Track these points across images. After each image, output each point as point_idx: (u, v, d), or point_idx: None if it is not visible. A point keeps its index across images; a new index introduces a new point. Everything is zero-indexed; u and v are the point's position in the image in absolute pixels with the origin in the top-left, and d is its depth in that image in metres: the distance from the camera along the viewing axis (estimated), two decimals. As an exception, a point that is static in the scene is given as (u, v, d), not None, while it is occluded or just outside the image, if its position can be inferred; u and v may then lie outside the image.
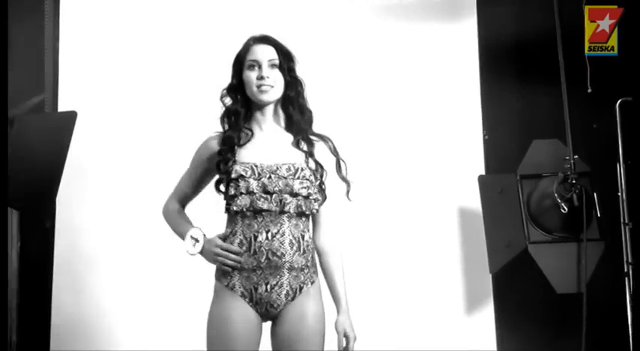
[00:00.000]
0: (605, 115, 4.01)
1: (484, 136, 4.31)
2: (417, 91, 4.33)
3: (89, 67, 4.29)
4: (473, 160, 4.28)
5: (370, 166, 4.22)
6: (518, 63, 4.39)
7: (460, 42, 4.37)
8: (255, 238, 2.72)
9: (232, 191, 2.74)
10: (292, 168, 2.77)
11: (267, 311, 2.75)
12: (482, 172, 4.22)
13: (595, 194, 3.74)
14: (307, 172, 2.79)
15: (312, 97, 4.16)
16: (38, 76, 4.25)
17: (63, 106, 4.22)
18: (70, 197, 4.03)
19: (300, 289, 2.76)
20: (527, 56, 4.34)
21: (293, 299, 2.75)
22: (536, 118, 4.29)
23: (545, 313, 4.15)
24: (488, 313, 4.19)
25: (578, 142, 3.81)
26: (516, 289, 4.19)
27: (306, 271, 2.77)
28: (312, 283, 2.79)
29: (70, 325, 4.12)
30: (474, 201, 4.04)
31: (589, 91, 3.90)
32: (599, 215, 3.75)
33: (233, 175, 2.74)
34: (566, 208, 3.67)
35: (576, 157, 3.74)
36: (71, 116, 3.63)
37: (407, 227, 4.22)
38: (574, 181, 3.67)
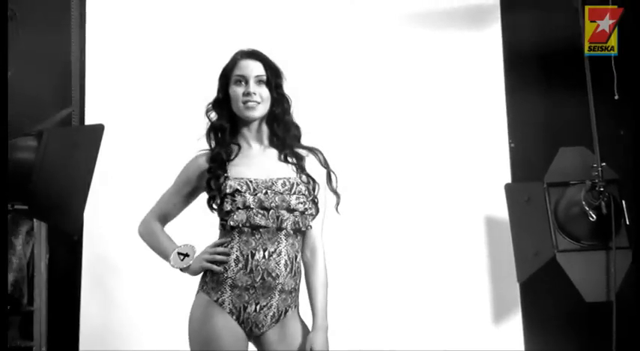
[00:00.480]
0: (632, 122, 3.97)
1: (510, 144, 4.29)
2: (441, 98, 4.33)
3: (115, 79, 4.34)
4: (499, 168, 4.26)
5: (397, 175, 4.24)
6: (544, 69, 4.37)
7: (484, 49, 4.36)
8: (252, 255, 2.69)
9: (228, 207, 2.70)
10: (288, 183, 2.75)
11: (251, 331, 2.73)
12: (509, 180, 4.20)
13: (623, 202, 3.71)
14: (302, 187, 2.76)
15: (337, 105, 4.23)
16: (65, 90, 4.30)
17: (90, 118, 4.26)
18: (96, 208, 4.05)
19: (285, 311, 2.74)
20: (552, 62, 4.32)
21: (277, 321, 2.73)
22: (563, 126, 4.26)
23: (574, 322, 4.11)
24: (516, 322, 4.16)
25: (605, 149, 3.77)
26: (545, 298, 4.16)
27: (293, 294, 2.76)
28: (295, 306, 2.78)
29: (98, 335, 4.15)
30: (500, 210, 4.01)
31: (616, 97, 3.86)
32: (627, 223, 3.71)
33: (228, 191, 2.71)
34: (594, 216, 3.63)
35: (604, 164, 3.70)
36: (98, 129, 3.66)
37: (434, 237, 4.21)
38: (602, 189, 3.63)
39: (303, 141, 2.90)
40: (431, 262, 4.19)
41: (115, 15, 4.37)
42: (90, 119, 4.25)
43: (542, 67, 4.37)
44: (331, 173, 2.86)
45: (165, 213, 2.93)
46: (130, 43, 4.35)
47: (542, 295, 4.15)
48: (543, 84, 4.37)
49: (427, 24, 4.39)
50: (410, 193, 4.24)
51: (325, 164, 2.87)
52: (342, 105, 4.29)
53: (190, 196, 2.89)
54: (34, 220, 4.19)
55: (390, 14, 4.40)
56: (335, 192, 2.84)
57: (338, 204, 2.85)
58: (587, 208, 3.63)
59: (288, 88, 2.86)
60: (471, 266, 4.20)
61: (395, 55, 4.36)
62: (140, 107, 4.30)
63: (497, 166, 4.27)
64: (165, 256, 2.87)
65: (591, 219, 3.63)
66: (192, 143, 4.22)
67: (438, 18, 4.39)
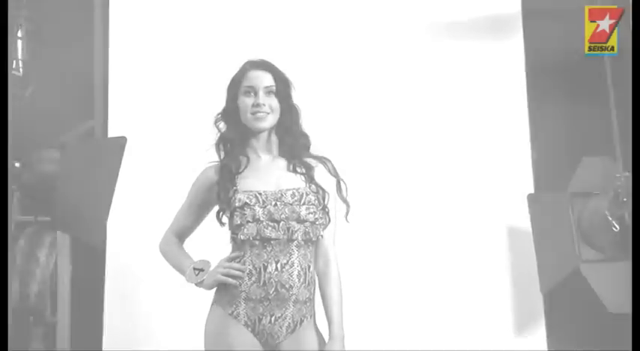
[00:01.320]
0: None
1: (532, 153, 4.27)
2: (464, 109, 4.32)
3: (138, 92, 4.36)
4: (522, 178, 4.24)
5: (420, 185, 4.23)
6: (566, 79, 4.34)
7: (506, 59, 4.35)
8: (265, 268, 2.68)
9: (238, 220, 2.69)
10: (297, 194, 2.73)
11: (267, 342, 2.72)
12: (532, 190, 4.17)
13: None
14: (312, 197, 2.74)
15: (360, 114, 4.23)
16: (88, 102, 4.33)
17: (112, 130, 4.28)
18: (119, 219, 4.07)
19: (301, 321, 2.72)
20: (574, 71, 4.29)
21: (292, 331, 2.71)
22: (586, 135, 4.24)
23: (598, 333, 4.07)
24: (540, 334, 4.13)
25: (628, 158, 3.74)
26: (568, 309, 4.12)
27: (308, 304, 2.74)
28: (311, 316, 2.76)
29: (121, 346, 4.16)
30: (523, 220, 3.99)
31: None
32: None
33: (237, 204, 2.70)
34: (617, 226, 3.61)
35: (627, 173, 3.68)
36: (121, 142, 3.68)
37: (456, 247, 4.19)
38: (625, 199, 3.61)
39: (315, 151, 2.87)
40: (452, 272, 4.17)
41: (137, 27, 4.40)
42: (113, 131, 4.28)
43: (565, 77, 4.35)
44: (341, 182, 2.84)
45: (182, 228, 2.94)
46: (153, 55, 4.37)
47: (566, 305, 4.12)
48: (566, 94, 4.35)
49: (449, 34, 4.38)
50: (432, 204, 4.23)
51: (335, 173, 2.85)
52: (360, 114, 4.29)
53: (204, 209, 2.88)
54: (58, 231, 4.22)
55: (412, 25, 4.40)
56: (345, 201, 2.82)
57: (347, 213, 2.82)
58: (611, 218, 3.61)
59: (297, 97, 2.85)
60: (494, 277, 4.18)
61: (416, 65, 4.35)
62: (163, 119, 4.32)
63: (520, 176, 4.25)
64: (182, 272, 2.87)
65: (615, 229, 3.61)
66: (213, 154, 4.28)
67: (460, 28, 4.39)
